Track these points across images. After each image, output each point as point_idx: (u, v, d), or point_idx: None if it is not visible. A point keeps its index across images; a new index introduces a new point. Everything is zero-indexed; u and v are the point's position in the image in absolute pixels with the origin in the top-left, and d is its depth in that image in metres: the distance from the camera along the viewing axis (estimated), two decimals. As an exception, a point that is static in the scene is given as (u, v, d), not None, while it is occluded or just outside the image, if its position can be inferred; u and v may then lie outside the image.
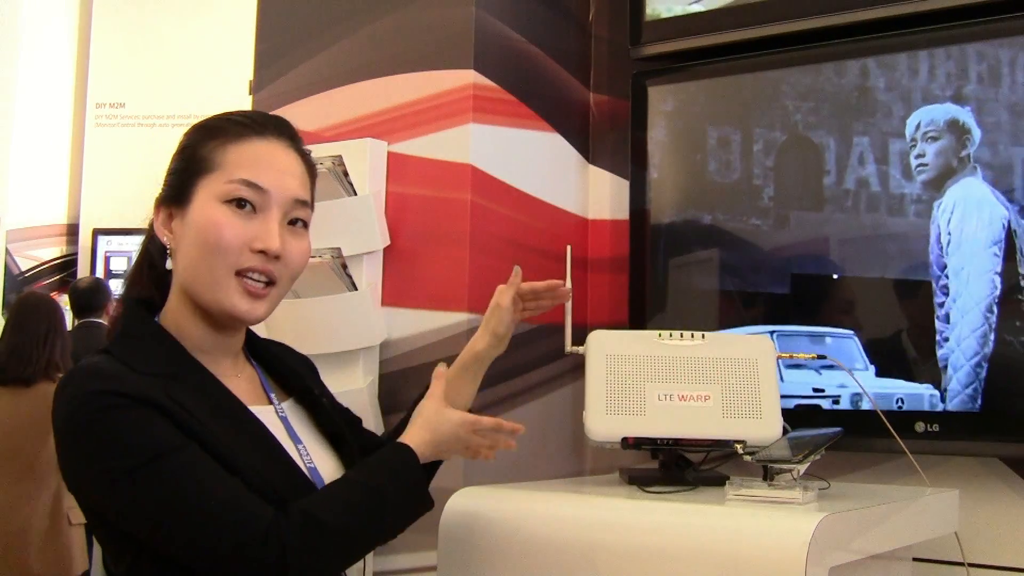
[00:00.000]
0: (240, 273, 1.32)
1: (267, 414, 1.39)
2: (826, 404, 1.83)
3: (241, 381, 1.41)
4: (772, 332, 1.88)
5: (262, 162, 1.34)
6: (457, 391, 1.60)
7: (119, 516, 1.27)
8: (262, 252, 1.32)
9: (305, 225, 1.39)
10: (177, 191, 1.36)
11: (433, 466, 1.51)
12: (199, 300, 1.34)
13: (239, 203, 1.32)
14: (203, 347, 1.37)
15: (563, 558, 1.50)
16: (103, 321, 4.35)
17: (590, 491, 1.76)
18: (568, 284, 1.79)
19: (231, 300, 1.32)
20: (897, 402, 1.83)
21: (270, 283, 1.34)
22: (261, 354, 1.49)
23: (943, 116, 1.90)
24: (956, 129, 1.88)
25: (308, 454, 1.40)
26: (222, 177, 1.33)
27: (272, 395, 1.44)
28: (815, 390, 1.85)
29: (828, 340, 1.86)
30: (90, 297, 4.45)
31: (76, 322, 4.43)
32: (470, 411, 1.57)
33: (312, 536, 1.25)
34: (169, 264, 1.37)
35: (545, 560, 1.52)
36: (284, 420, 1.42)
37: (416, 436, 1.41)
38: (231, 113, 1.40)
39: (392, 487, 1.34)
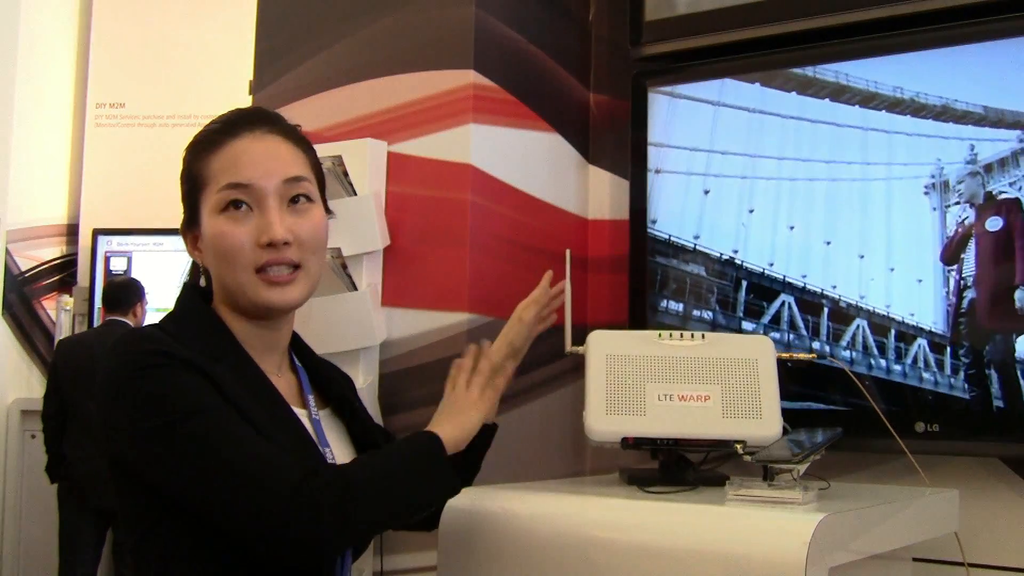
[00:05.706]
0: (260, 270, 1.37)
1: (301, 417, 1.43)
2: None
3: (281, 380, 1.45)
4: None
5: (240, 161, 1.38)
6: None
7: (153, 472, 1.29)
8: (270, 245, 1.36)
9: (309, 199, 1.42)
10: (189, 214, 1.43)
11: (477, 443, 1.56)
12: (235, 306, 1.41)
13: (235, 205, 1.37)
14: (247, 341, 1.42)
15: (563, 558, 1.50)
16: (128, 322, 4.33)
17: (590, 491, 1.76)
18: (568, 287, 1.82)
19: (260, 296, 1.38)
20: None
21: (295, 267, 1.39)
22: (306, 361, 1.53)
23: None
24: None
25: (334, 460, 1.42)
26: (212, 189, 1.38)
27: (310, 398, 1.47)
28: None
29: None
30: (120, 294, 4.41)
31: (103, 319, 4.43)
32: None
33: (344, 493, 1.26)
34: (203, 281, 1.46)
35: (545, 560, 1.52)
36: (316, 424, 1.45)
37: (439, 426, 1.46)
38: (212, 122, 1.44)
39: (417, 460, 1.38)
